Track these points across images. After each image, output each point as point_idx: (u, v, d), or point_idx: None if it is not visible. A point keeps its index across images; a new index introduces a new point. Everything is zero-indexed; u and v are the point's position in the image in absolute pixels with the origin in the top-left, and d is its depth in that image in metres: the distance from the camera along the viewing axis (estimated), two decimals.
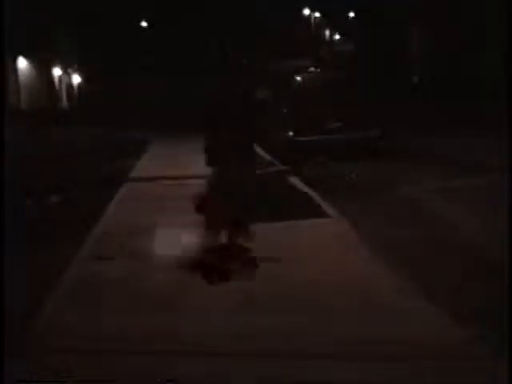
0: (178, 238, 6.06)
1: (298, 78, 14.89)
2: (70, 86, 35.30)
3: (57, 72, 32.20)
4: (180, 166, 12.18)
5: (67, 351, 3.65)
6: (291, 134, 13.15)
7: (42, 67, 29.08)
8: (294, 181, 9.66)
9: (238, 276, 4.85)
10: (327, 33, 44.27)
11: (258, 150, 12.81)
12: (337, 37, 43.54)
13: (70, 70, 34.71)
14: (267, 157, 12.43)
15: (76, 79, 36.09)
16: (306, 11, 41.25)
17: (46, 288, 4.76)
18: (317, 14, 42.19)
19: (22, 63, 26.79)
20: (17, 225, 6.45)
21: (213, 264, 4.97)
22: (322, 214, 7.22)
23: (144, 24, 35.69)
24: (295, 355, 3.54)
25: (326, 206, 7.59)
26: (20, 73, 26.35)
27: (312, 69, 18.19)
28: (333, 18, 41.58)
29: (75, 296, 4.68)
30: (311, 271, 5.01)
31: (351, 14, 39.96)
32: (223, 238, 5.19)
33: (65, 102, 33.82)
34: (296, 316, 4.06)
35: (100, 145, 16.40)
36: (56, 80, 32.31)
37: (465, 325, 3.83)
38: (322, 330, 3.86)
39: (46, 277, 5.08)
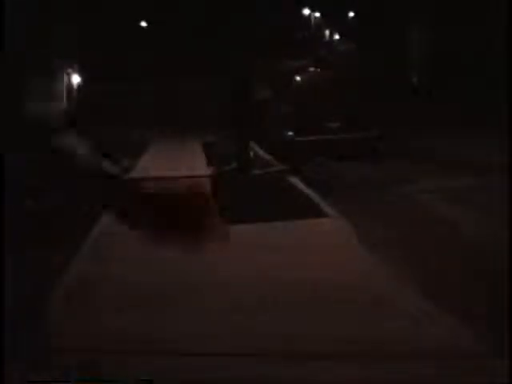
0: None
1: (298, 78, 14.92)
2: (69, 86, 35.28)
3: None
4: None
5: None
6: (291, 133, 13.16)
7: None
8: (294, 181, 9.66)
9: None
10: (327, 33, 44.24)
11: (258, 149, 12.85)
12: (336, 37, 43.50)
13: (69, 70, 34.69)
14: (267, 157, 12.44)
15: (76, 79, 36.07)
16: (306, 11, 41.23)
17: None
18: (317, 14, 42.16)
19: None
20: (16, 224, 6.43)
21: None
22: (321, 213, 7.22)
23: (144, 24, 35.67)
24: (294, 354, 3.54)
25: (325, 206, 7.59)
26: None
27: (312, 69, 18.21)
28: (333, 18, 41.54)
29: None
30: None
31: (351, 14, 39.94)
32: None
33: (64, 102, 33.80)
34: None
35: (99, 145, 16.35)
36: None
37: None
38: None
39: None
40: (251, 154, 10.92)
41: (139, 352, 3.60)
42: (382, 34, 30.03)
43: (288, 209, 7.36)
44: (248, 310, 4.23)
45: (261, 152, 12.60)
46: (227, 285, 4.71)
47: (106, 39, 31.04)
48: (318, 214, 7.18)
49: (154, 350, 3.62)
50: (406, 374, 3.27)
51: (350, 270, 5.05)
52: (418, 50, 29.63)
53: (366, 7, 32.93)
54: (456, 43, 23.52)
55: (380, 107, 14.80)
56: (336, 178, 10.45)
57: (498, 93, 16.48)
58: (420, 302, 4.30)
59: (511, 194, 6.81)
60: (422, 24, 28.22)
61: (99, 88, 31.93)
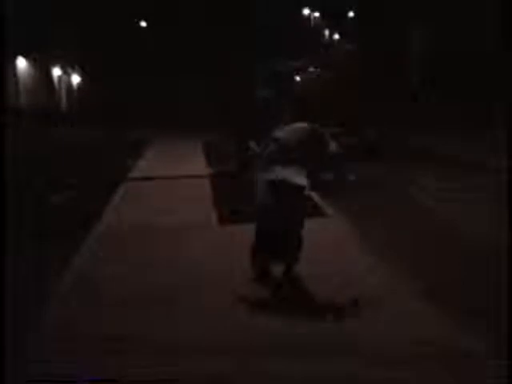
0: None
1: (298, 78, 14.93)
2: (69, 86, 35.29)
3: (56, 72, 32.19)
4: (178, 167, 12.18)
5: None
6: None
7: (41, 67, 29.08)
8: None
9: None
10: (327, 33, 44.21)
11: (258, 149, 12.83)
12: (336, 37, 43.47)
13: (69, 70, 34.70)
14: None
15: (75, 79, 36.07)
16: (306, 11, 41.23)
17: None
18: (316, 14, 42.15)
19: (22, 63, 26.79)
20: (17, 224, 6.43)
21: None
22: (321, 213, 7.23)
23: (144, 24, 35.66)
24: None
25: (325, 206, 7.60)
26: (19, 73, 26.36)
27: (312, 69, 18.21)
28: (333, 18, 41.52)
29: None
30: None
31: (351, 14, 39.92)
32: None
33: (64, 103, 33.81)
34: None
35: (99, 145, 16.37)
36: (55, 80, 32.31)
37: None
38: None
39: None
40: (251, 153, 10.90)
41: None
42: (382, 33, 30.04)
43: None
44: None
45: None
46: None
47: (106, 39, 31.04)
48: (319, 213, 7.17)
49: None
50: (406, 374, 3.28)
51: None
52: (418, 50, 29.63)
53: (366, 7, 32.94)
54: (456, 43, 23.54)
55: (380, 107, 14.80)
56: (335, 179, 10.43)
57: (498, 93, 16.49)
58: (417, 302, 4.30)
59: (510, 194, 6.82)
60: (422, 24, 28.22)
61: (99, 88, 31.96)
